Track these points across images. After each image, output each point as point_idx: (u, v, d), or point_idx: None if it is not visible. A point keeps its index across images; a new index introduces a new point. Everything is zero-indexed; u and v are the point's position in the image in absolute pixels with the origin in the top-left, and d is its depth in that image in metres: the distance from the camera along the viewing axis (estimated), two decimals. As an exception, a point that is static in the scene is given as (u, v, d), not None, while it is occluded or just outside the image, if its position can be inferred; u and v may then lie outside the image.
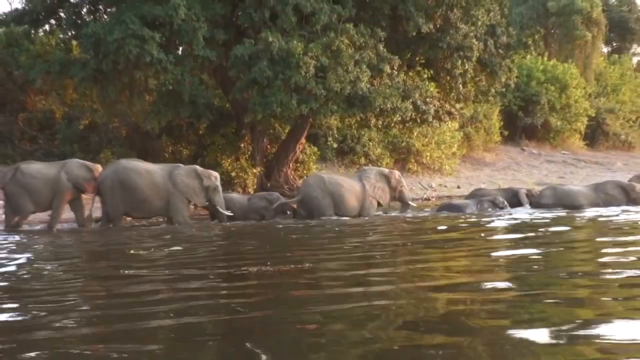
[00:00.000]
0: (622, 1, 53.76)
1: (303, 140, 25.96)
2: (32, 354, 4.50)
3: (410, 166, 31.30)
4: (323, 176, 18.05)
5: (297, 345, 4.64)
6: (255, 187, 23.54)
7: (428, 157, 32.39)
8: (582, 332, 4.18)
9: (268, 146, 25.51)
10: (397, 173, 18.92)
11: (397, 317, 5.19)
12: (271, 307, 6.10)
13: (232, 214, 16.97)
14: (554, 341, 4.03)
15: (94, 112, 24.24)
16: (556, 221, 13.03)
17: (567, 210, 15.21)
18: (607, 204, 15.96)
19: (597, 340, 4.01)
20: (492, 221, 13.93)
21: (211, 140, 25.60)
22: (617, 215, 13.69)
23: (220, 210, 16.91)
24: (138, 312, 5.80)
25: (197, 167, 17.85)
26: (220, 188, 17.30)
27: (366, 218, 16.57)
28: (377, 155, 31.05)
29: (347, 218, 16.57)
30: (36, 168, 16.96)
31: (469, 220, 14.56)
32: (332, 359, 4.19)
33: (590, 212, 14.72)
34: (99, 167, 17.25)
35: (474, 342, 4.40)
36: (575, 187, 18.29)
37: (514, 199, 17.67)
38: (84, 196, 16.92)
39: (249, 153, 24.95)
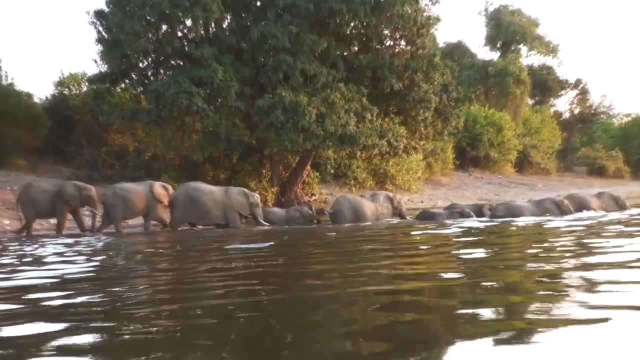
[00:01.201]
0: (542, 67, 53.84)
1: (308, 167, 26.02)
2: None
3: (387, 186, 31.20)
4: (349, 197, 18.12)
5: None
6: (273, 202, 23.52)
7: (400, 180, 32.39)
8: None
9: (282, 172, 25.51)
10: (398, 197, 18.98)
11: (374, 298, 4.92)
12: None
13: (268, 225, 17.06)
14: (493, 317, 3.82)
15: (156, 146, 24.30)
16: (503, 227, 13.03)
17: (513, 220, 15.17)
18: (544, 215, 15.98)
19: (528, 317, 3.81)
20: (456, 226, 13.94)
21: (241, 167, 25.61)
22: (550, 223, 13.58)
23: (260, 220, 17.12)
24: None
25: (245, 189, 18.05)
26: (260, 204, 17.57)
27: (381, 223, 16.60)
28: (363, 178, 31.17)
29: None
30: (130, 186, 17.27)
31: (441, 225, 14.54)
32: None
33: (529, 221, 14.62)
34: (170, 188, 17.54)
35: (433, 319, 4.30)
36: (521, 203, 18.25)
37: (479, 212, 17.65)
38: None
39: (268, 176, 25.11)
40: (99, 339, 3.69)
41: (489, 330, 3.48)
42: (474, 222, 15.09)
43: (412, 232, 12.66)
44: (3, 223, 18.19)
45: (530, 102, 52.12)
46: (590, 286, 4.70)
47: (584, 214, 16.34)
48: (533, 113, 50.17)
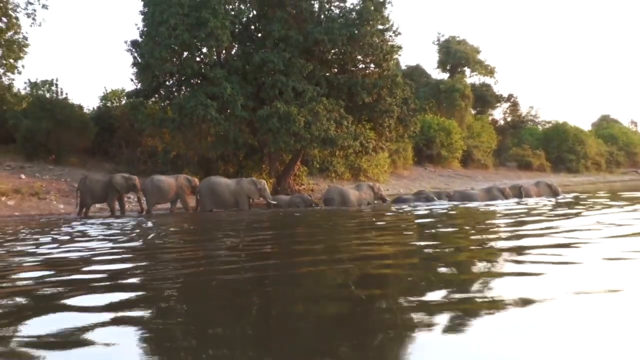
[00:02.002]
0: (482, 84, 53.88)
1: (299, 163, 26.08)
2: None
3: (361, 178, 31.12)
4: (338, 187, 18.29)
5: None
6: (271, 190, 23.54)
7: (370, 173, 32.28)
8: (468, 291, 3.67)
9: (278, 166, 25.52)
10: (378, 185, 19.04)
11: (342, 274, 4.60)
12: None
13: (275, 202, 17.26)
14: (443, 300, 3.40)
15: (179, 147, 24.29)
16: (460, 209, 13.13)
17: (467, 204, 15.25)
18: (492, 200, 16.08)
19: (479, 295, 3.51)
20: (421, 208, 14.05)
21: (246, 163, 25.65)
22: (496, 206, 13.59)
23: (269, 201, 17.17)
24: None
25: (254, 178, 18.06)
26: (267, 188, 17.59)
27: (363, 207, 16.64)
28: (342, 172, 31.07)
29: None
30: (163, 177, 17.41)
31: (408, 208, 14.64)
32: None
33: (480, 205, 14.65)
34: (196, 180, 17.59)
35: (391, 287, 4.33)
36: (473, 190, 18.34)
37: (440, 197, 17.74)
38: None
39: (267, 170, 25.16)
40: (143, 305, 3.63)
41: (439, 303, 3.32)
42: (436, 205, 15.25)
43: (388, 213, 12.77)
44: (59, 207, 18.25)
45: (473, 112, 52.05)
46: (520, 261, 4.58)
47: (525, 199, 16.50)
48: (475, 120, 50.13)
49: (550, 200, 15.23)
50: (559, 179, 41.03)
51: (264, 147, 23.26)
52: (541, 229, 7.25)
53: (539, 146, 50.95)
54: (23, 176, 20.26)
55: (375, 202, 17.93)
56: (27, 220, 14.24)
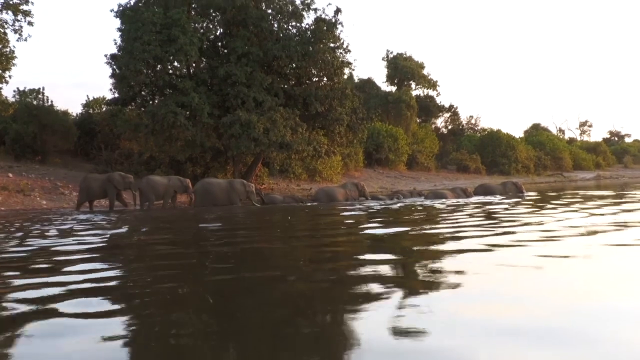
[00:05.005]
0: (426, 96, 54.65)
1: (260, 165, 26.43)
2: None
3: (316, 179, 31.65)
4: (325, 188, 19.16)
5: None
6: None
7: (325, 174, 32.61)
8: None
9: (242, 168, 25.83)
10: (361, 183, 19.57)
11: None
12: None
13: (258, 205, 17.32)
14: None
15: (152, 150, 24.27)
16: (431, 205, 13.59)
17: (440, 200, 15.77)
18: (458, 197, 16.81)
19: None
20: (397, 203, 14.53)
21: (212, 164, 25.87)
22: (460, 203, 13.96)
23: (253, 202, 17.36)
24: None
25: (244, 180, 18.53)
26: (254, 190, 17.87)
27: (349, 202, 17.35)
28: (299, 173, 31.36)
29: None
30: (157, 178, 17.65)
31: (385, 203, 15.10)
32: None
33: (449, 201, 15.03)
34: (189, 182, 17.84)
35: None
36: (444, 189, 19.12)
37: (412, 195, 18.66)
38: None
39: (231, 171, 25.42)
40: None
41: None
42: (409, 200, 16.06)
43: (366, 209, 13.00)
44: (42, 203, 18.48)
45: (418, 120, 52.85)
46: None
47: (491, 197, 17.07)
48: (419, 128, 50.72)
49: (513, 199, 15.80)
50: (492, 181, 42.05)
51: (228, 150, 23.56)
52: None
53: (475, 151, 51.96)
54: (10, 175, 20.41)
55: (360, 198, 18.63)
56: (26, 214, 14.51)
